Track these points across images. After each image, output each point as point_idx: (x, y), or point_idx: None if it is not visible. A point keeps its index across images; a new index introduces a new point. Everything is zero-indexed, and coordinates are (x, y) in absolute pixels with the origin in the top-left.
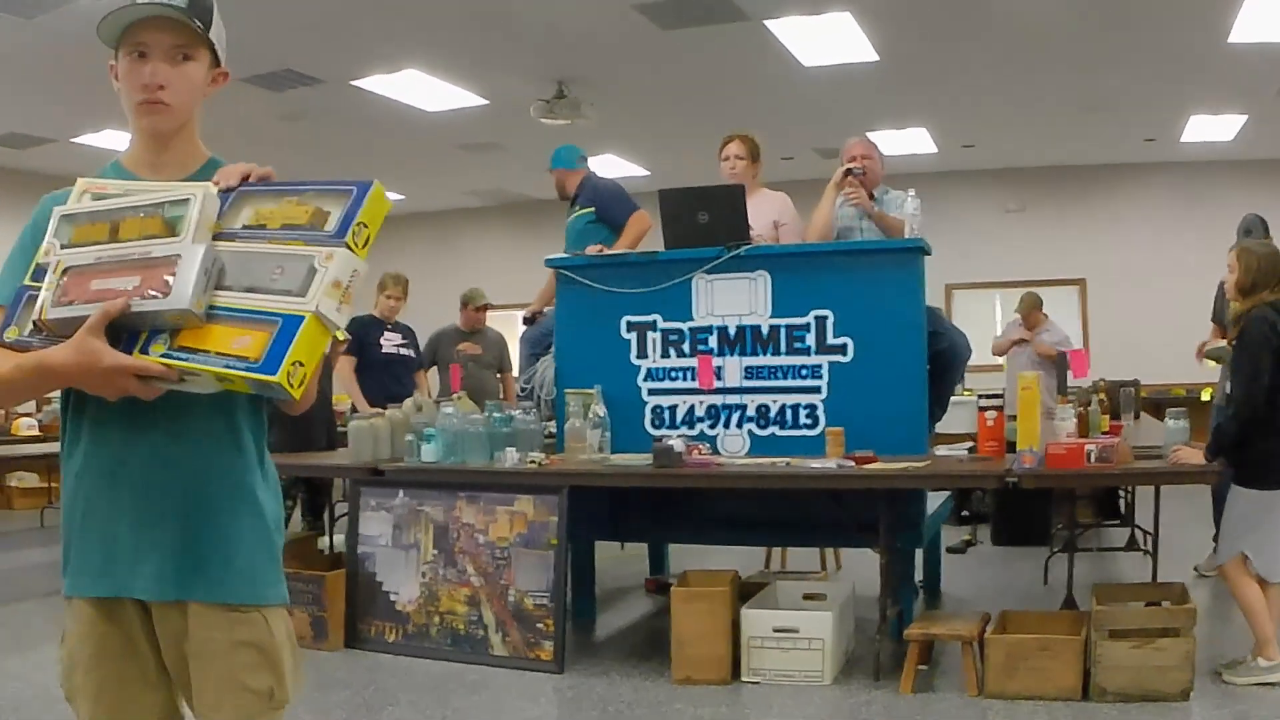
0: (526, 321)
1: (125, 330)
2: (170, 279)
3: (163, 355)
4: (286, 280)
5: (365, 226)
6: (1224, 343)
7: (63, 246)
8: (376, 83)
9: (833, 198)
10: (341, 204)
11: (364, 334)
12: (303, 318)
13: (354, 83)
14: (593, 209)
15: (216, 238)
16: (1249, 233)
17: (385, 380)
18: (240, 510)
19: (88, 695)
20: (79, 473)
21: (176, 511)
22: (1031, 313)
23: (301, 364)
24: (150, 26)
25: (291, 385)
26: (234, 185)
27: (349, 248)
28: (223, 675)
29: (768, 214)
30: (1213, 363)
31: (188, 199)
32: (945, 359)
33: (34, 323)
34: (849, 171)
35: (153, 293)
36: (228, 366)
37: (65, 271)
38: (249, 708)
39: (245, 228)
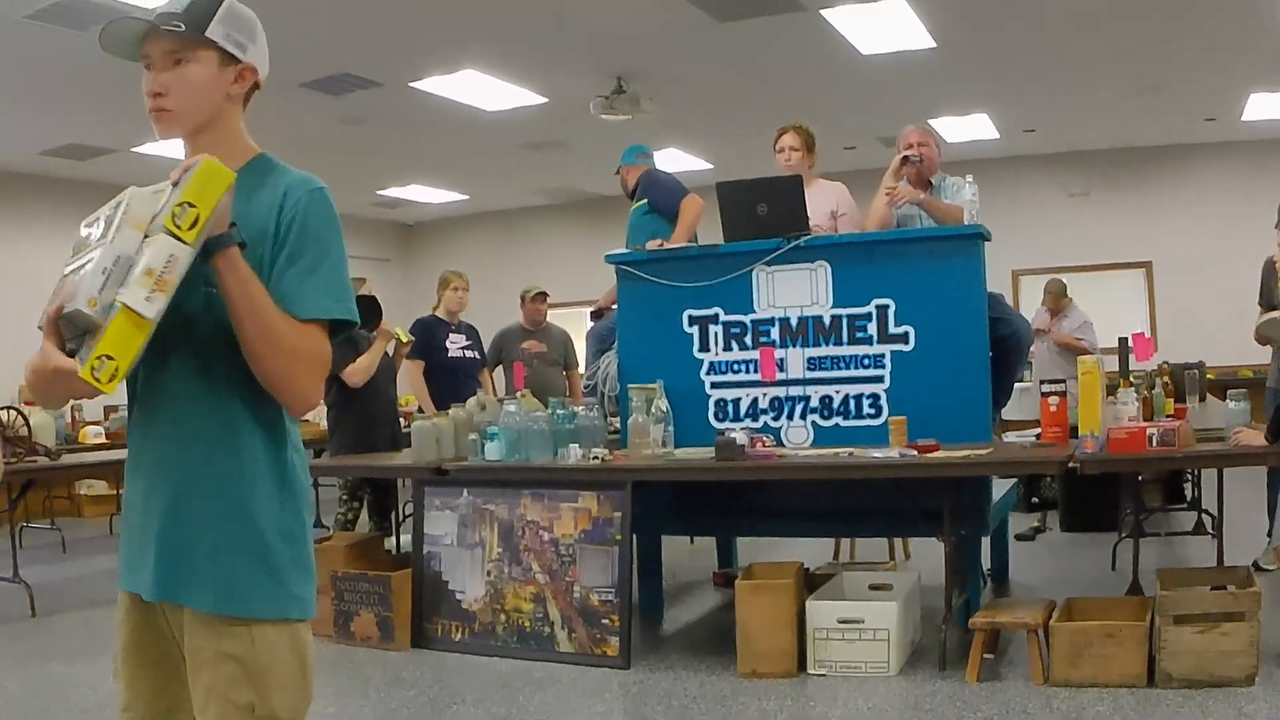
0: (594, 316)
1: (84, 332)
2: (78, 283)
3: (79, 357)
4: (126, 271)
5: (191, 207)
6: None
7: (71, 255)
8: (435, 84)
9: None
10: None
11: (430, 337)
12: (116, 309)
13: (413, 84)
14: (646, 200)
15: (147, 235)
16: None
17: (453, 384)
18: (229, 518)
19: (124, 680)
20: (126, 465)
21: (167, 515)
22: (1057, 300)
23: (110, 358)
24: (149, 39)
25: (97, 380)
26: (176, 179)
27: (168, 231)
28: (208, 683)
29: (825, 204)
30: (1267, 344)
31: (121, 201)
32: (1008, 345)
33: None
34: (906, 159)
35: (69, 298)
36: (82, 363)
37: (63, 279)
38: (231, 717)
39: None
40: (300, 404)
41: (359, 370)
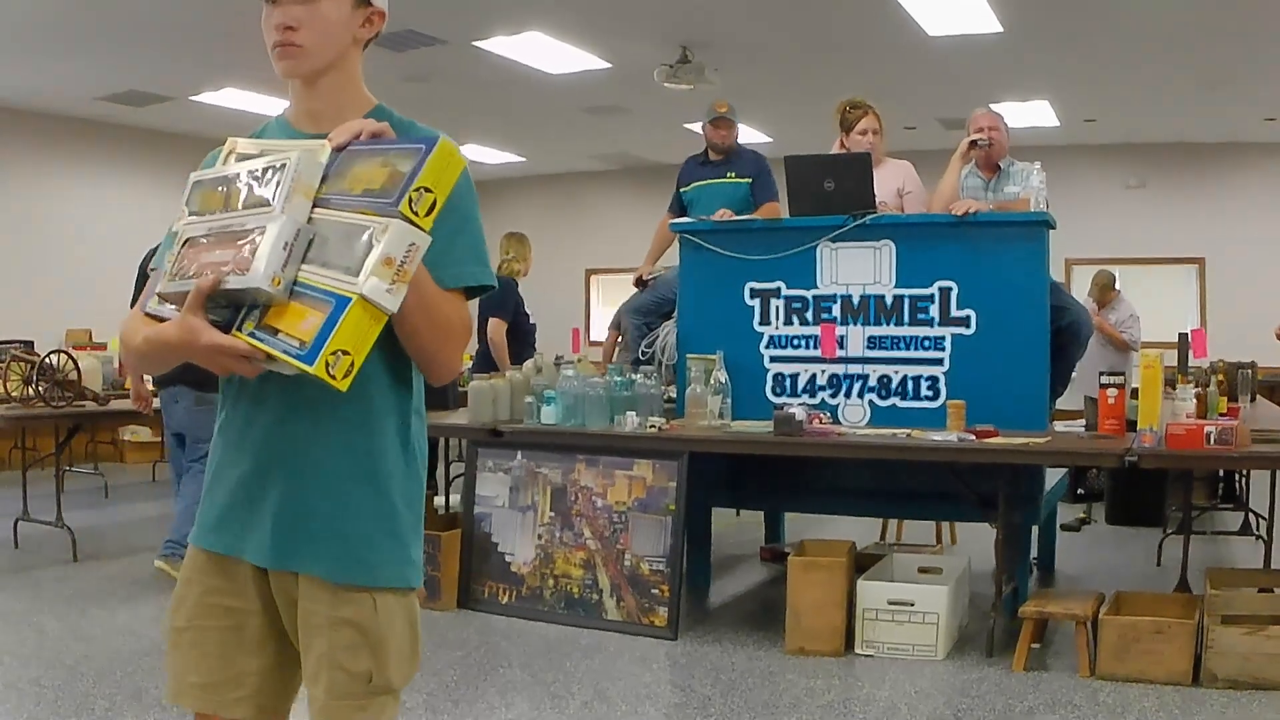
0: (638, 284)
1: (232, 305)
2: (251, 254)
3: (250, 334)
4: (349, 255)
5: (428, 192)
6: None
7: (190, 214)
8: (499, 44)
9: (958, 169)
10: (409, 165)
11: (517, 299)
12: (349, 300)
13: (476, 44)
14: (750, 181)
15: (317, 204)
16: None
17: (526, 346)
18: (358, 485)
19: (183, 642)
20: (220, 429)
21: (289, 481)
22: (1104, 292)
23: (346, 352)
24: None
25: (333, 377)
26: (344, 144)
27: (405, 218)
28: (322, 650)
29: (892, 182)
30: None
31: (284, 163)
32: (1067, 335)
33: (157, 294)
34: (974, 143)
35: (238, 269)
36: (285, 351)
37: (186, 242)
38: (345, 686)
39: (339, 193)
40: (447, 374)
41: None
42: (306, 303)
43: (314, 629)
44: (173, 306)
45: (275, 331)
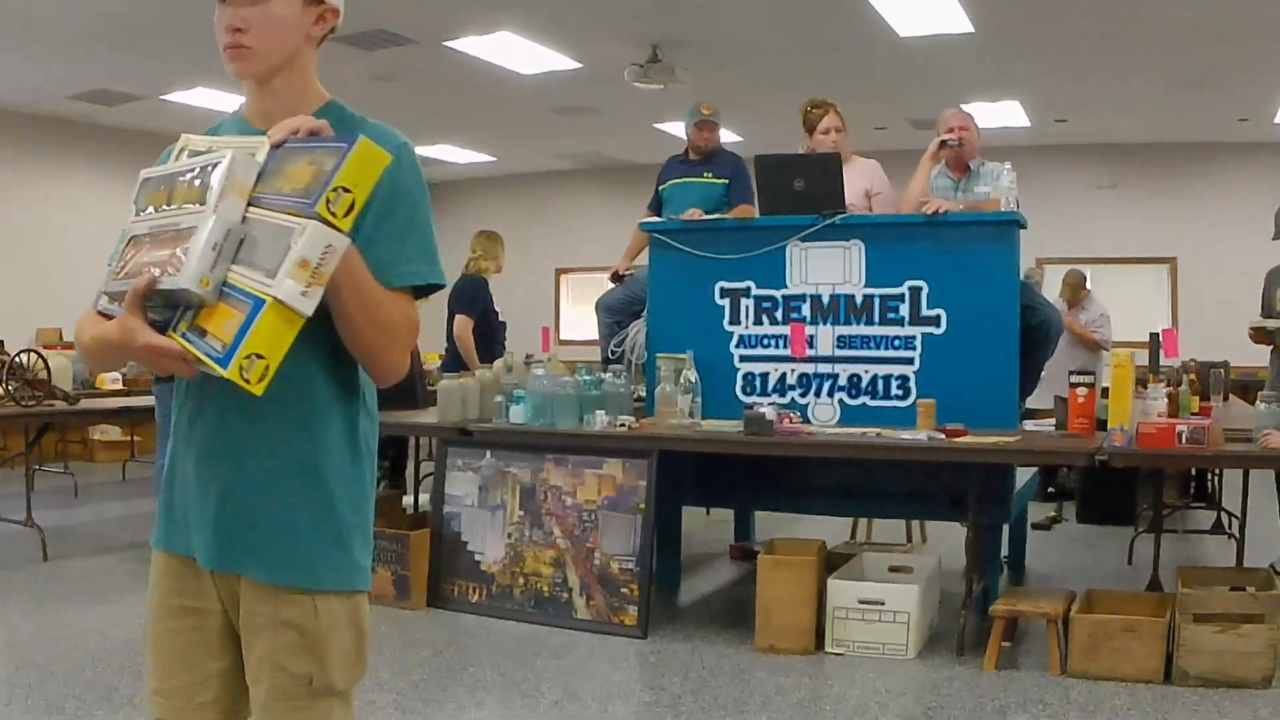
0: (614, 279)
1: (171, 305)
2: (183, 254)
3: (182, 335)
4: (273, 257)
5: (346, 192)
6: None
7: (137, 212)
8: (469, 44)
9: (928, 169)
10: (331, 164)
11: (486, 297)
12: (264, 303)
13: (447, 43)
14: (727, 181)
15: (251, 203)
16: None
17: (497, 346)
18: (300, 487)
19: (150, 646)
20: (174, 426)
21: (230, 481)
22: (1075, 292)
23: (260, 356)
24: None
25: (247, 381)
26: (281, 140)
27: (322, 219)
28: (263, 651)
29: (860, 182)
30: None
31: (219, 162)
32: (1037, 334)
33: (104, 293)
34: (944, 143)
35: (170, 269)
36: (207, 354)
37: (131, 240)
38: (286, 688)
39: (271, 192)
40: (393, 374)
41: None
42: (232, 304)
43: (255, 630)
44: (119, 305)
45: (204, 333)
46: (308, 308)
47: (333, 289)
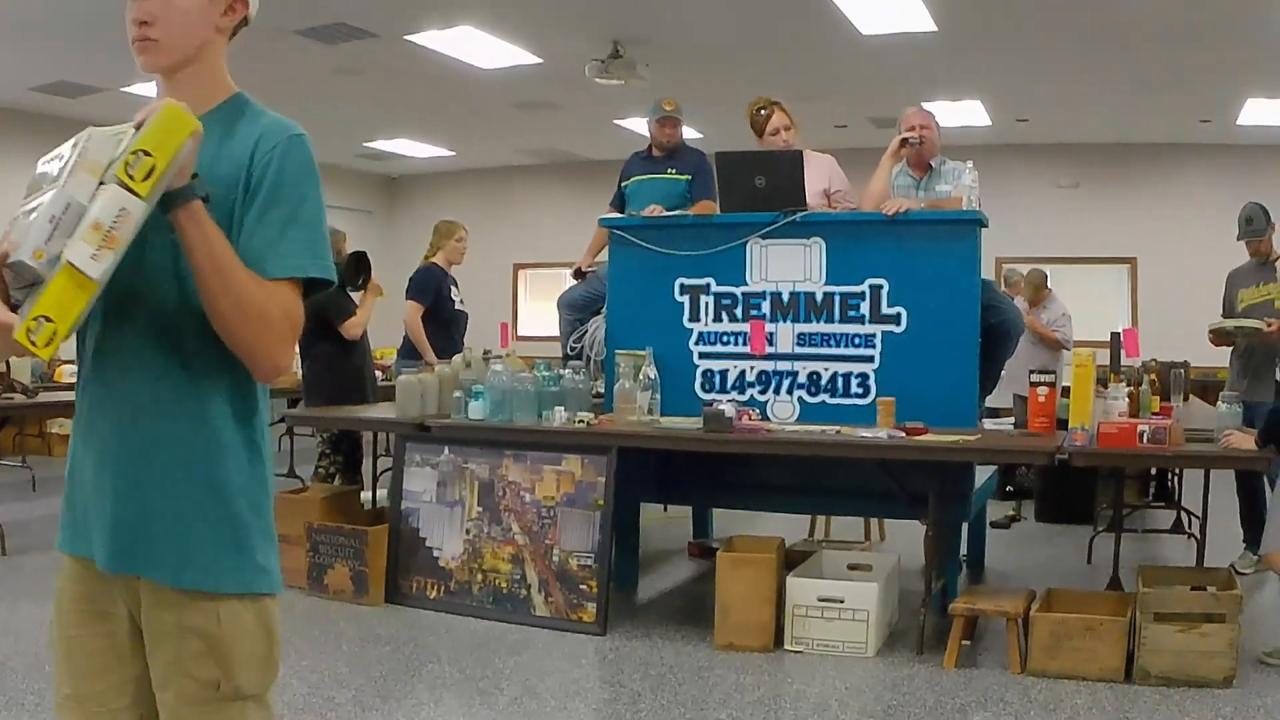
0: (576, 275)
1: (29, 282)
2: (25, 231)
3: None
4: (76, 221)
5: (147, 155)
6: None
7: (26, 194)
8: (431, 38)
9: (889, 168)
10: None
11: (439, 285)
12: (61, 264)
13: (408, 37)
14: (690, 178)
15: (104, 182)
16: (1250, 221)
17: (454, 336)
18: (197, 489)
19: (58, 653)
20: (74, 424)
21: (127, 482)
22: (1037, 291)
23: (49, 319)
24: None
25: (34, 344)
26: (140, 122)
27: (120, 182)
28: (169, 658)
29: (818, 181)
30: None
31: (78, 142)
32: (998, 333)
33: None
34: (905, 142)
35: (13, 246)
36: (21, 320)
37: (13, 220)
38: (193, 694)
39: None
40: (269, 369)
41: (358, 324)
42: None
43: (160, 636)
44: None
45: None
46: (96, 271)
47: (195, 273)
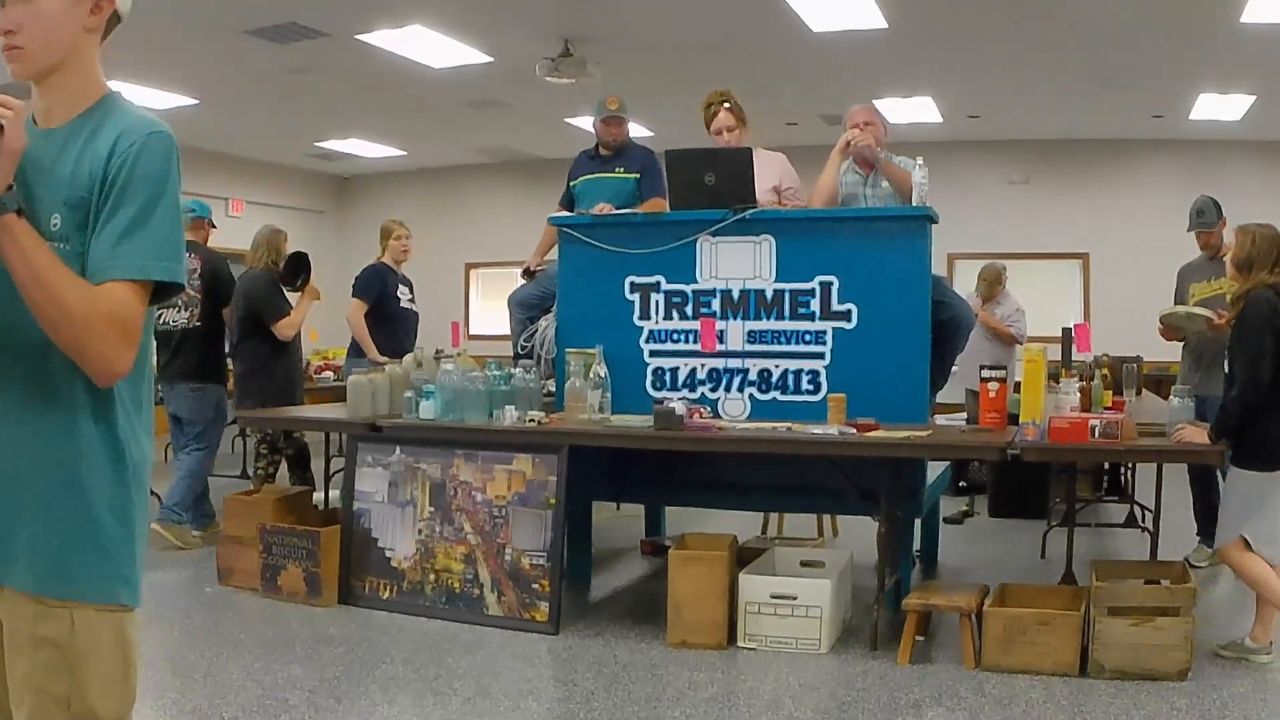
0: (525, 275)
1: None
2: None
3: None
4: None
5: None
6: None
7: None
8: (382, 38)
9: (837, 164)
10: None
11: (382, 284)
12: None
13: (359, 37)
14: (638, 177)
15: None
16: (1200, 213)
17: (399, 334)
18: (59, 495)
19: None
20: None
21: None
22: (992, 287)
23: None
24: None
25: None
26: None
27: None
28: (25, 671)
29: (767, 178)
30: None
31: None
32: (948, 329)
33: None
34: (849, 144)
35: None
36: None
37: None
38: (46, 711)
39: None
40: (103, 373)
41: (292, 324)
42: None
43: (17, 648)
44: None
45: None
46: None
47: (16, 284)
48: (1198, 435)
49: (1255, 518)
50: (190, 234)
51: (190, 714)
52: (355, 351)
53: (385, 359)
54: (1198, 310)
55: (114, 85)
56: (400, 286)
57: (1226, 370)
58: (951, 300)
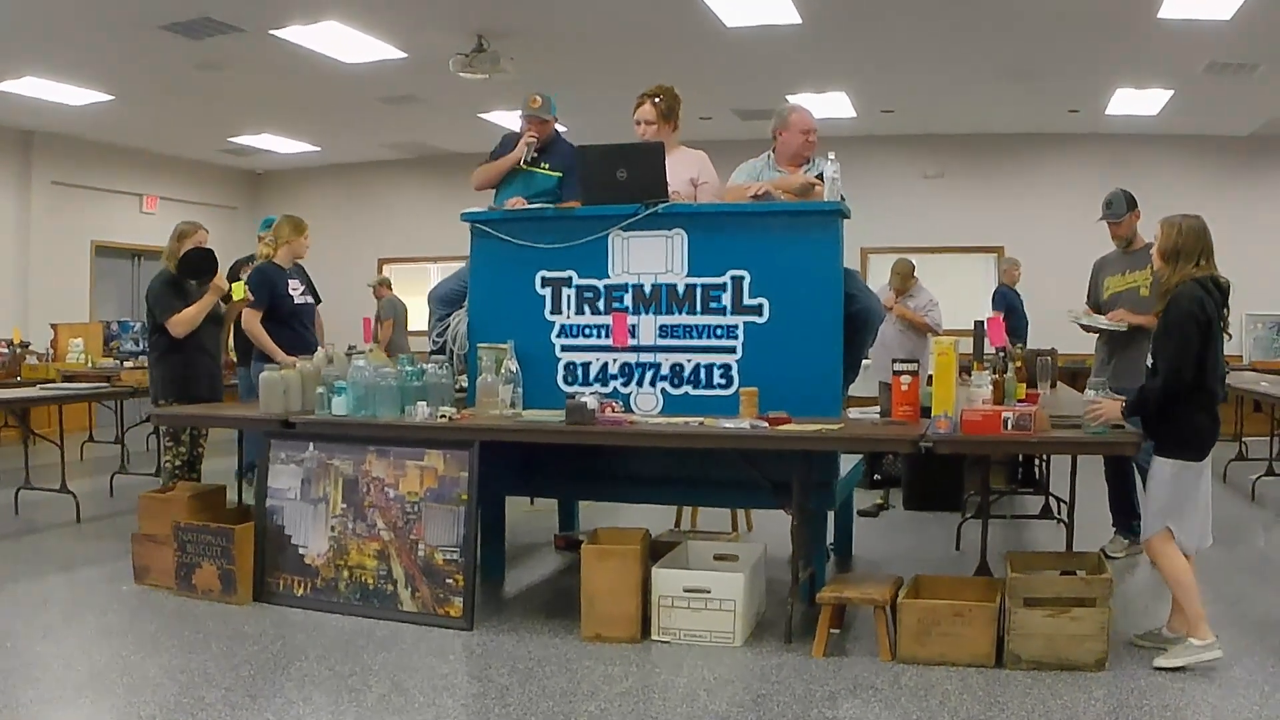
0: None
1: None
2: None
3: None
4: None
5: None
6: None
7: None
8: (296, 33)
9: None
10: None
11: (274, 285)
12: None
13: (273, 32)
14: (560, 176)
15: None
16: (1109, 205)
17: (297, 329)
18: None
19: None
20: None
21: None
22: (904, 280)
23: None
24: None
25: None
26: None
27: None
28: None
29: (685, 172)
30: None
31: None
32: (858, 322)
33: None
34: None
35: None
36: None
37: None
38: None
39: None
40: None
41: (183, 321)
42: None
43: None
44: None
45: None
46: None
47: None
48: (1113, 409)
49: (1180, 509)
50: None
51: (107, 713)
52: (261, 356)
53: (294, 359)
54: (1102, 325)
55: (27, 81)
56: (290, 281)
57: (1150, 362)
58: (859, 293)
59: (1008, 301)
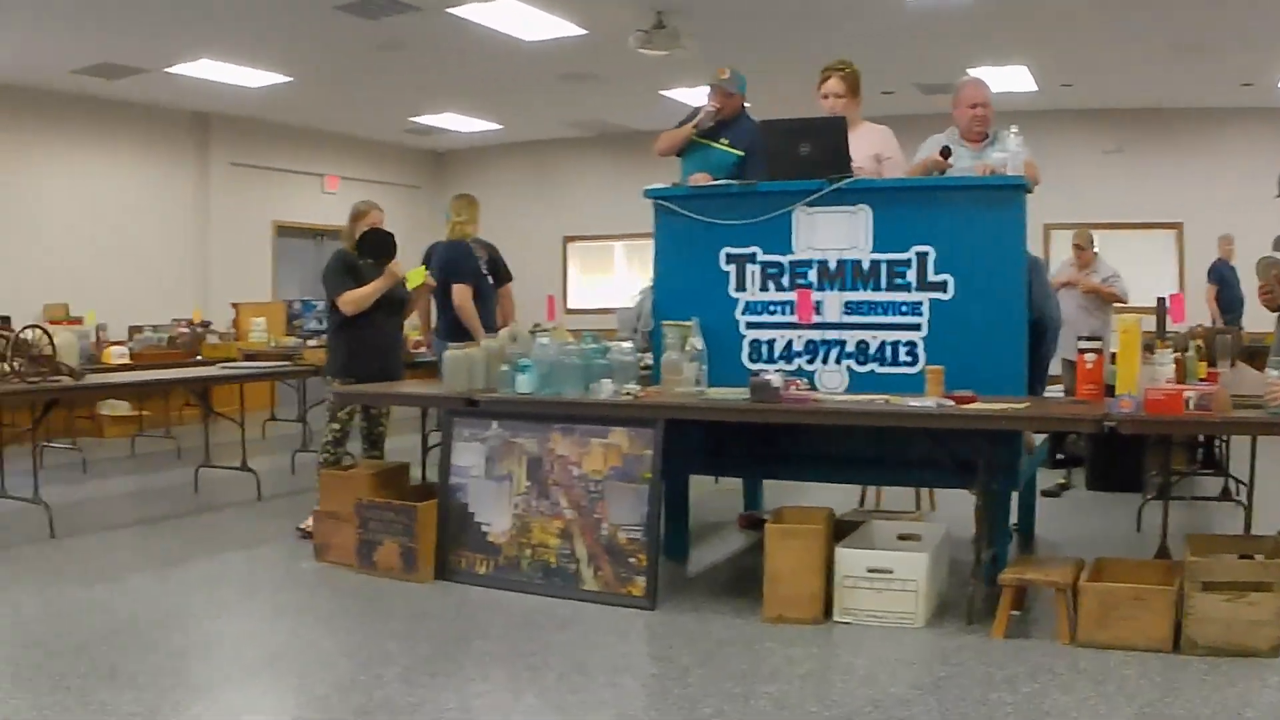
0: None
1: None
2: None
3: None
4: None
5: None
6: None
7: None
8: (473, 10)
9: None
10: None
11: (476, 264)
12: None
13: (451, 10)
14: (743, 154)
15: None
16: None
17: (487, 310)
18: None
19: None
20: None
21: None
22: (1084, 251)
23: None
24: None
25: None
26: None
27: None
28: None
29: (868, 148)
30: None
31: None
32: (1035, 331)
33: None
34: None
35: None
36: None
37: None
38: None
39: None
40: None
41: (353, 299)
42: None
43: None
44: None
45: None
46: None
47: None
48: None
49: None
50: None
51: (281, 691)
52: (447, 334)
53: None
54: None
55: (206, 63)
56: (479, 261)
57: None
58: (1038, 302)
59: (1220, 276)
